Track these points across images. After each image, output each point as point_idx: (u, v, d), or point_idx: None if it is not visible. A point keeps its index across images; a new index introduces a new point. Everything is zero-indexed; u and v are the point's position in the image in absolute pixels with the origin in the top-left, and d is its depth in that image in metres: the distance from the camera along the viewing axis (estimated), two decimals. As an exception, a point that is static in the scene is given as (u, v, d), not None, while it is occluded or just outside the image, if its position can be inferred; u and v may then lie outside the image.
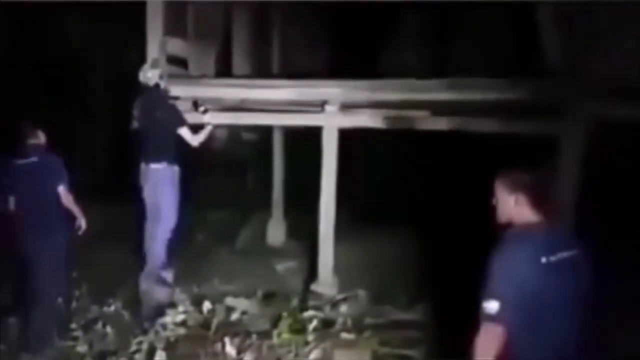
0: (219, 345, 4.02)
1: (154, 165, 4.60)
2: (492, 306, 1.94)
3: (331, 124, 4.69)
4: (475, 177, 3.06)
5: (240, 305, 4.70)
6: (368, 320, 4.43)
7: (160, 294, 4.66)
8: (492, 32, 5.46)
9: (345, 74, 4.69)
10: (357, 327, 4.29)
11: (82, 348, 4.14)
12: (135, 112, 4.73)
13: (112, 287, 4.94)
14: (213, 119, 4.85)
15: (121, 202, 5.48)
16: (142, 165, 4.67)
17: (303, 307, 4.62)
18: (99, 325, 4.45)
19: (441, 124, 4.48)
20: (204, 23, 5.63)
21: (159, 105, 4.64)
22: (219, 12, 5.81)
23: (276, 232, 6.35)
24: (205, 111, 4.80)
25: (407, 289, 4.86)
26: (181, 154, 4.71)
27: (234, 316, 4.56)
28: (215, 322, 4.37)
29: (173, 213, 4.66)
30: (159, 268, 4.68)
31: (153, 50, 4.93)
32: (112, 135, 6.90)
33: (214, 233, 6.34)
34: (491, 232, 2.12)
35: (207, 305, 4.64)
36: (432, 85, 4.36)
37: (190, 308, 4.64)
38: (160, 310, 4.50)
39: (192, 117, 4.76)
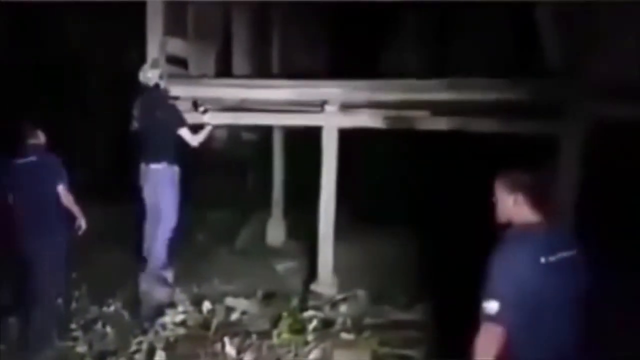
0: (218, 346, 4.02)
1: (154, 166, 4.61)
2: (491, 306, 1.94)
3: (331, 124, 4.69)
4: (475, 177, 3.06)
5: (240, 305, 4.70)
6: (368, 320, 4.43)
7: (160, 294, 4.66)
8: (492, 32, 5.46)
9: (345, 74, 4.69)
10: (357, 327, 4.29)
11: (81, 348, 4.14)
12: (135, 112, 4.73)
13: (111, 287, 4.93)
14: (213, 119, 4.85)
15: (121, 202, 5.48)
16: (142, 166, 4.68)
17: (303, 307, 4.62)
18: (99, 326, 4.45)
19: (441, 124, 4.48)
20: (203, 23, 5.63)
21: (159, 106, 4.64)
22: (218, 12, 5.81)
23: (276, 232, 6.35)
24: (205, 111, 4.80)
25: (407, 289, 4.86)
26: (181, 154, 4.71)
27: (234, 316, 4.56)
28: (215, 322, 4.37)
29: (173, 213, 4.67)
30: (159, 268, 4.69)
31: (153, 50, 4.93)
32: (112, 135, 6.89)
33: (214, 233, 6.34)
34: (491, 232, 2.12)
35: (206, 305, 4.64)
36: (432, 85, 4.36)
37: (190, 308, 4.64)
38: (160, 311, 4.50)
39: (192, 117, 4.77)
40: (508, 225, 2.15)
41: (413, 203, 5.77)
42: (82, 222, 4.21)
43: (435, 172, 5.79)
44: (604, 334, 2.41)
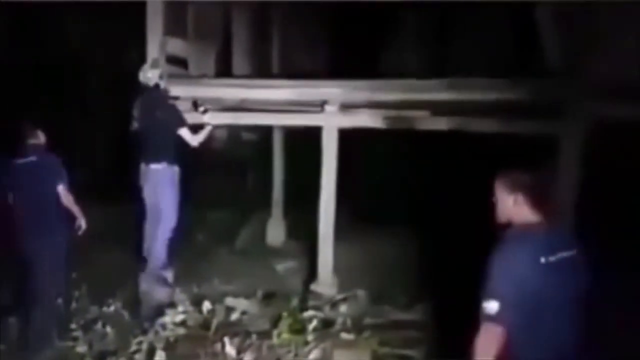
0: (218, 346, 4.02)
1: (154, 166, 4.61)
2: (491, 306, 1.94)
3: (331, 124, 4.69)
4: (475, 177, 3.06)
5: (240, 305, 4.70)
6: (368, 320, 4.43)
7: (161, 294, 4.66)
8: (492, 32, 5.46)
9: (345, 74, 4.69)
10: (357, 327, 4.29)
11: (81, 348, 4.14)
12: (135, 112, 4.73)
13: (111, 287, 4.93)
14: (213, 119, 4.85)
15: (121, 202, 5.48)
16: (142, 166, 4.68)
17: (303, 307, 4.62)
18: (99, 326, 4.44)
19: (441, 124, 4.48)
20: (203, 23, 5.63)
21: (159, 106, 4.64)
22: (218, 12, 5.81)
23: (276, 232, 6.35)
24: (205, 111, 4.80)
25: (407, 289, 4.86)
26: (181, 154, 4.71)
27: (234, 316, 4.55)
28: (215, 322, 4.37)
29: (173, 213, 4.66)
30: (159, 268, 4.69)
31: (153, 50, 4.93)
32: (112, 135, 6.89)
33: (214, 233, 6.34)
34: (491, 232, 2.12)
35: (206, 305, 4.64)
36: (432, 85, 4.36)
37: (190, 308, 4.64)
38: (160, 311, 4.50)
39: (192, 117, 4.77)
40: (508, 225, 2.15)
41: (413, 203, 5.77)
42: (82, 222, 4.21)
43: (435, 172, 5.79)
44: (604, 334, 2.41)
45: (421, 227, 5.21)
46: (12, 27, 7.48)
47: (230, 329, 4.30)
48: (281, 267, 5.70)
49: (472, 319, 2.00)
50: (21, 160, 4.03)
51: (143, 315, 4.51)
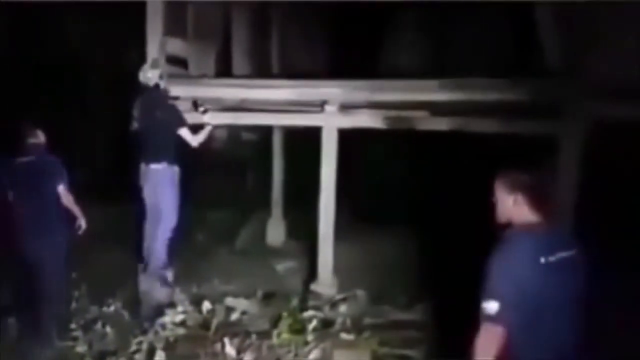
0: (218, 346, 4.02)
1: (154, 166, 4.61)
2: (491, 306, 1.94)
3: (331, 124, 4.69)
4: (475, 177, 3.06)
5: (240, 305, 4.70)
6: (367, 320, 4.43)
7: (161, 294, 4.66)
8: (492, 32, 5.45)
9: (345, 74, 4.69)
10: (357, 327, 4.29)
11: (81, 348, 4.14)
12: (135, 112, 4.73)
13: (111, 288, 4.93)
14: (213, 119, 4.85)
15: (121, 202, 5.48)
16: (142, 166, 4.68)
17: (303, 307, 4.62)
18: (99, 326, 4.44)
19: (441, 124, 4.48)
20: (203, 23, 5.63)
21: (159, 106, 4.64)
22: (218, 12, 5.80)
23: (276, 232, 6.35)
24: (205, 111, 4.80)
25: (407, 289, 4.86)
26: (181, 154, 4.71)
27: (234, 316, 4.56)
28: (214, 322, 4.37)
29: (173, 213, 4.67)
30: (159, 268, 4.69)
31: (153, 50, 4.93)
32: (112, 135, 6.89)
33: (214, 233, 6.34)
34: (491, 232, 2.12)
35: (206, 305, 4.64)
36: (432, 85, 4.36)
37: (190, 308, 4.64)
38: (159, 311, 4.50)
39: (192, 117, 4.77)
40: (508, 225, 2.15)
41: (413, 203, 5.77)
42: (82, 222, 4.21)
43: (435, 172, 5.79)
44: (604, 334, 2.41)
45: (421, 227, 5.21)
46: (12, 27, 7.48)
47: (230, 329, 4.30)
48: (281, 267, 5.70)
49: (472, 319, 2.00)
50: (21, 160, 4.03)
51: (143, 315, 4.52)
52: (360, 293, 4.90)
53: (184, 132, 4.63)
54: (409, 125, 4.56)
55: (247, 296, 4.89)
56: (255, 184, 7.22)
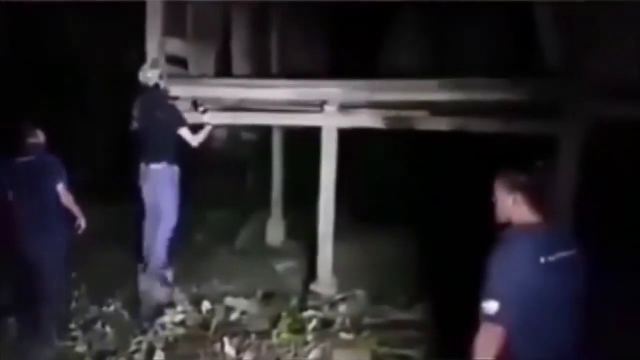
0: (218, 346, 4.02)
1: (154, 166, 4.60)
2: (491, 306, 1.93)
3: (330, 125, 4.69)
4: (475, 177, 3.06)
5: (240, 305, 4.70)
6: (367, 321, 4.43)
7: (161, 294, 4.66)
8: (492, 32, 5.45)
9: (345, 74, 4.69)
10: (356, 327, 4.29)
11: (81, 348, 4.14)
12: (135, 112, 4.73)
13: (111, 287, 4.93)
14: (213, 119, 4.85)
15: (121, 202, 5.48)
16: (142, 166, 4.68)
17: (302, 307, 4.62)
18: (99, 326, 4.44)
19: (441, 124, 4.48)
20: (203, 23, 5.62)
21: (159, 106, 4.64)
22: (218, 12, 5.80)
23: (276, 232, 6.35)
24: (204, 111, 4.80)
25: (407, 289, 4.86)
26: (181, 154, 4.71)
27: (234, 316, 4.56)
28: (214, 322, 4.37)
29: (173, 213, 4.66)
30: (159, 268, 4.69)
31: (152, 50, 4.93)
32: (112, 135, 6.89)
33: (214, 233, 6.34)
34: (491, 232, 2.12)
35: (206, 306, 4.65)
36: (432, 85, 4.36)
37: (190, 308, 4.64)
38: (159, 311, 4.50)
39: (192, 117, 4.76)
40: (508, 225, 2.15)
41: (413, 203, 5.76)
42: (82, 222, 4.21)
43: (435, 172, 5.79)
44: (604, 334, 2.41)
45: (421, 227, 5.21)
46: (12, 27, 7.48)
47: (229, 329, 4.30)
48: (281, 267, 5.70)
49: (472, 319, 2.00)
50: (21, 160, 4.03)
51: (143, 316, 4.52)
52: (360, 293, 4.90)
53: (184, 132, 4.63)
54: (409, 125, 4.56)
55: (247, 296, 4.88)
56: (255, 184, 7.22)
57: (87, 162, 6.71)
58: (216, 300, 4.77)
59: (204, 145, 4.86)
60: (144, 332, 4.27)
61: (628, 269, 3.44)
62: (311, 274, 4.99)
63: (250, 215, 6.64)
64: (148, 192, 4.69)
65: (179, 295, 4.84)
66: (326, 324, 4.36)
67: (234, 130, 7.26)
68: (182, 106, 4.80)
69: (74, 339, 4.26)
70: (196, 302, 4.73)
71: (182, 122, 4.63)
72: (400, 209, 5.78)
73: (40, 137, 4.15)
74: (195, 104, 4.85)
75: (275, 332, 4.20)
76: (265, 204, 6.39)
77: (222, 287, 5.16)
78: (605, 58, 4.03)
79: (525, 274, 1.95)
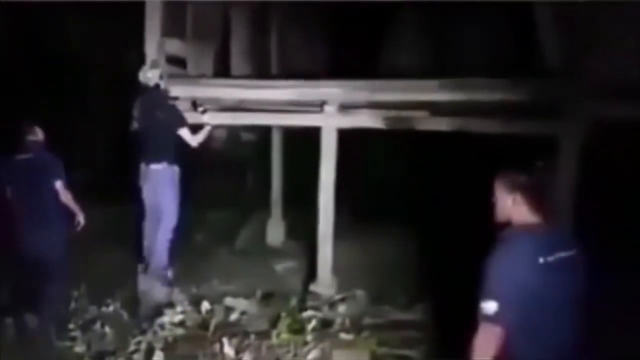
0: (217, 346, 4.01)
1: (154, 166, 4.60)
2: (490, 306, 1.93)
3: (330, 125, 4.68)
4: (475, 177, 3.06)
5: (239, 305, 4.70)
6: (367, 321, 4.42)
7: (160, 294, 4.66)
8: (492, 32, 5.45)
9: (345, 74, 4.69)
10: (356, 327, 4.28)
11: (80, 348, 4.14)
12: (135, 112, 4.73)
13: (110, 288, 4.93)
14: (212, 119, 4.85)
15: (121, 202, 5.48)
16: (142, 166, 4.68)
17: (302, 307, 4.62)
18: (98, 326, 4.44)
19: (441, 124, 4.48)
20: (202, 23, 5.62)
21: (159, 106, 4.64)
22: (217, 12, 5.80)
23: (275, 232, 6.35)
24: (204, 111, 4.80)
25: (407, 289, 4.86)
26: (181, 154, 4.71)
27: (233, 316, 4.55)
28: (213, 322, 4.36)
29: (173, 213, 4.66)
30: (159, 268, 4.68)
31: (151, 50, 4.93)
32: (112, 135, 6.89)
33: (214, 233, 6.34)
34: (491, 232, 2.11)
35: (205, 306, 4.64)
36: (432, 85, 4.35)
37: (189, 308, 4.64)
38: (158, 311, 4.50)
39: (191, 117, 4.76)
40: (507, 225, 2.14)
41: (413, 203, 5.76)
42: (80, 218, 4.22)
43: (435, 172, 5.78)
44: (603, 334, 2.40)
45: (421, 227, 5.21)
46: (12, 27, 7.48)
47: (229, 329, 4.30)
48: (280, 267, 5.69)
49: (472, 319, 2.00)
50: (19, 157, 4.03)
51: (142, 316, 4.51)
52: (360, 293, 4.89)
53: (184, 132, 4.63)
54: (409, 125, 4.55)
55: (247, 296, 4.88)
56: (255, 184, 7.22)
57: (87, 162, 6.72)
58: (215, 300, 4.76)
59: (204, 145, 4.86)
60: (143, 332, 4.26)
61: (628, 269, 3.44)
62: (311, 274, 4.99)
63: (250, 215, 6.63)
64: (148, 192, 4.69)
65: (178, 295, 4.83)
66: (326, 324, 4.35)
67: (233, 131, 7.26)
68: (181, 106, 4.80)
69: (73, 339, 4.26)
70: (195, 302, 4.72)
71: (182, 122, 4.63)
72: (400, 209, 5.78)
73: (38, 135, 4.15)
74: (195, 104, 4.85)
75: (274, 332, 4.19)
76: (265, 204, 6.39)
77: (222, 287, 5.15)
78: (605, 58, 4.03)
79: (524, 274, 1.94)
